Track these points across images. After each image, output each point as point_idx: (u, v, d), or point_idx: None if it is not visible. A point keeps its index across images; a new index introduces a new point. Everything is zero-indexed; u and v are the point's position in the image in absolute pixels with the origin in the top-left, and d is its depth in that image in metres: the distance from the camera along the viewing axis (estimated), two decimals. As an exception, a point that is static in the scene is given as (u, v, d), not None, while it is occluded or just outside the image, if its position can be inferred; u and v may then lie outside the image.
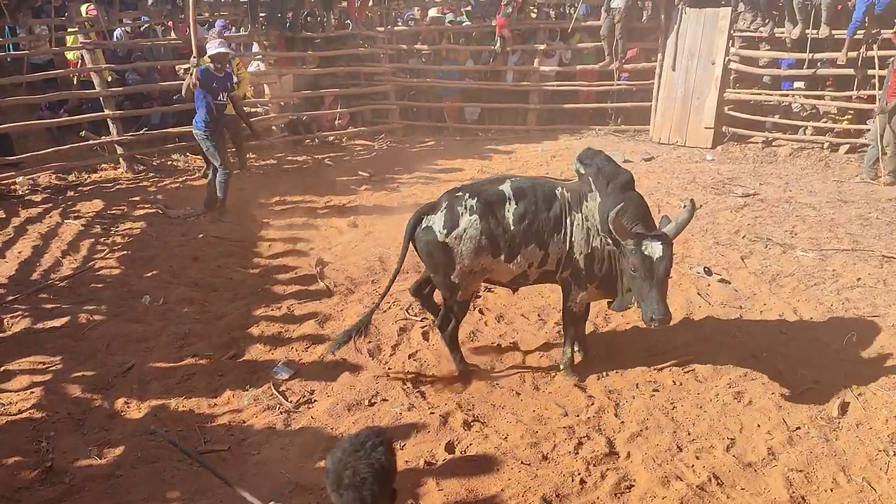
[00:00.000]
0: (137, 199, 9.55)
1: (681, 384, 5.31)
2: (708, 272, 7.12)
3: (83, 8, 11.14)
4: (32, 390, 5.23)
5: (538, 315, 6.34)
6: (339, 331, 6.05)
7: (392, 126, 13.79)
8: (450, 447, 4.57)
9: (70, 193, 9.61)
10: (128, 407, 5.08)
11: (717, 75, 12.38)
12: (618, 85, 13.29)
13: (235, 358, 5.71)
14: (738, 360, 5.60)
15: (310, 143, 12.78)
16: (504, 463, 4.45)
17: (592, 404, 5.07)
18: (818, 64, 11.57)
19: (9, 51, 10.53)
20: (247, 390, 5.26)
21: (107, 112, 10.63)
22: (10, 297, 6.57)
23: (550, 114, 13.79)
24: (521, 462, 4.45)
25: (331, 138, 13.07)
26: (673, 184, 10.28)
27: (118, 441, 4.70)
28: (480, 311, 6.40)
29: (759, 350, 5.73)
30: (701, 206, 9.18)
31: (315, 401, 5.15)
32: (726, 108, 12.52)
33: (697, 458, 4.48)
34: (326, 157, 12.04)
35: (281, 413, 4.99)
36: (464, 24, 14.06)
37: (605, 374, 5.47)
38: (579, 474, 4.33)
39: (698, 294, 6.69)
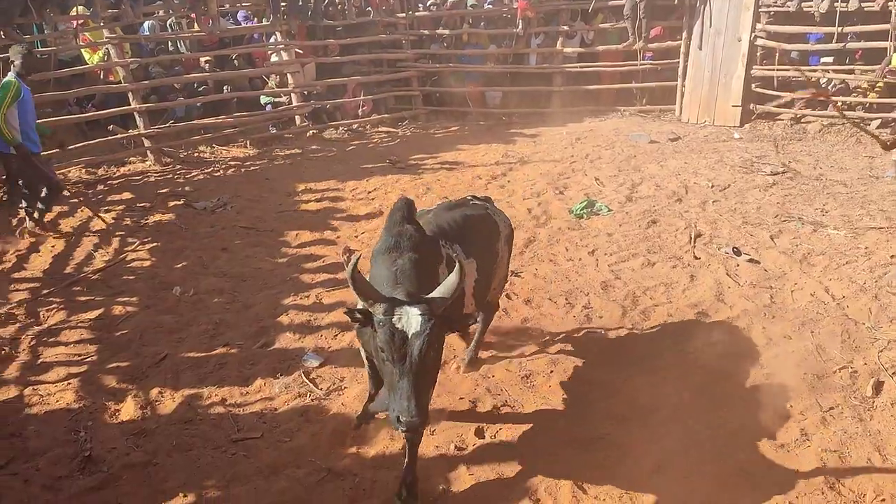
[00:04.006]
0: (166, 191, 9.66)
1: (713, 366, 5.27)
2: (737, 252, 7.04)
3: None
4: (69, 381, 5.34)
5: (566, 299, 6.33)
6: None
7: (415, 112, 13.78)
8: (480, 432, 4.59)
9: (100, 187, 9.74)
10: (162, 396, 5.17)
11: (744, 52, 12.18)
12: (642, 65, 13.13)
13: (266, 347, 5.78)
14: (769, 341, 5.55)
15: (334, 131, 12.82)
16: (534, 448, 4.45)
17: (624, 387, 5.05)
18: (848, 37, 11.33)
19: (37, 47, 10.66)
20: (278, 378, 5.32)
21: (133, 105, 10.75)
22: (45, 291, 6.70)
23: (574, 96, 13.67)
24: (553, 446, 4.45)
25: (354, 126, 13.10)
26: (700, 164, 10.16)
27: (153, 430, 4.79)
28: (507, 296, 6.39)
29: (791, 330, 5.67)
30: (729, 185, 9.08)
31: (345, 387, 5.19)
32: (754, 86, 12.32)
33: (731, 439, 4.46)
34: (351, 146, 12.07)
35: (312, 400, 5.04)
36: (485, 8, 13.97)
37: (634, 357, 5.44)
38: (611, 457, 4.33)
39: (727, 275, 6.63)
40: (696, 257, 7.04)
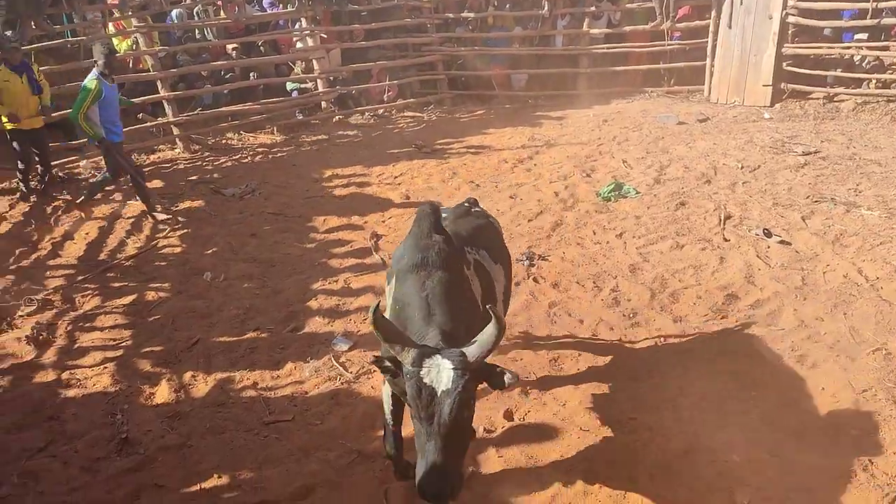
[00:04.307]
0: (195, 177, 9.76)
1: (743, 348, 5.23)
2: (767, 234, 6.95)
3: None
4: (105, 366, 5.46)
5: (593, 282, 6.30)
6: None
7: (441, 96, 13.75)
8: (508, 415, 4.61)
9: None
10: (195, 380, 5.26)
11: (775, 30, 11.95)
12: (670, 45, 12.96)
13: (296, 331, 5.84)
14: (801, 322, 5.49)
15: (360, 116, 12.84)
16: (563, 430, 4.47)
17: (653, 370, 5.04)
18: (882, 13, 11.05)
19: (67, 37, 10.79)
20: (308, 362, 5.38)
21: (162, 94, 10.86)
22: (81, 277, 6.83)
23: (601, 78, 13.54)
24: (580, 428, 4.47)
25: (380, 111, 13.11)
26: (729, 144, 10.02)
27: (187, 413, 4.88)
28: (535, 280, 6.39)
29: (823, 312, 5.60)
30: (759, 166, 8.96)
31: (374, 371, 5.23)
32: (785, 64, 12.09)
33: (762, 422, 4.43)
34: (378, 132, 12.09)
35: (342, 384, 5.10)
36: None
37: (662, 339, 5.42)
38: (640, 439, 4.33)
39: (757, 257, 6.55)
40: (725, 239, 6.96)
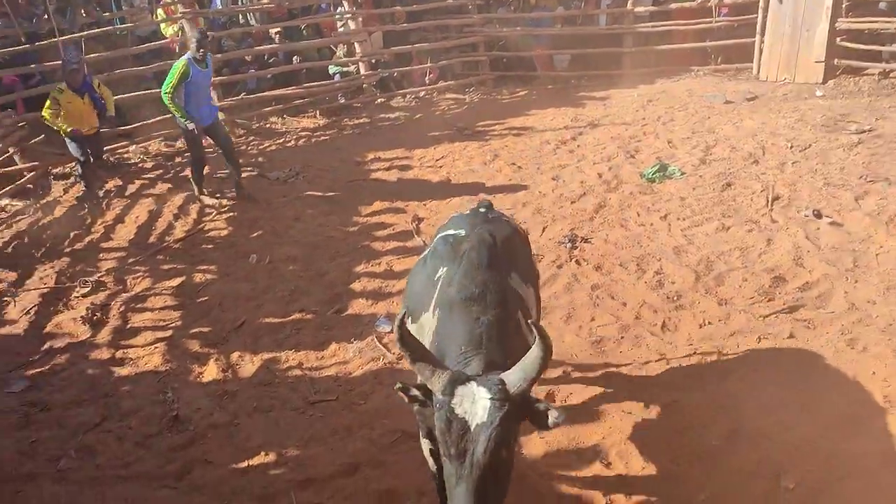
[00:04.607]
0: (240, 161, 9.90)
1: (789, 332, 5.14)
2: (817, 215, 6.79)
3: None
4: (156, 345, 5.62)
5: (637, 264, 6.25)
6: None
7: (482, 78, 13.67)
8: (551, 397, 4.62)
9: (178, 159, 10.06)
10: (242, 360, 5.39)
11: (828, 4, 11.56)
12: (717, 22, 12.65)
13: (339, 313, 5.93)
14: (852, 305, 5.37)
15: (401, 99, 12.86)
16: (605, 412, 4.47)
17: (694, 353, 5.00)
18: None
19: (116, 24, 11.03)
20: (352, 343, 5.46)
21: (207, 79, 11.01)
22: (132, 260, 7.02)
23: (645, 57, 13.29)
24: (622, 411, 4.46)
25: (422, 93, 13.10)
26: (779, 123, 9.77)
27: (235, 392, 5.01)
28: (578, 262, 6.36)
29: (876, 295, 5.47)
30: (809, 145, 8.73)
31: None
32: (838, 39, 11.72)
33: (809, 408, 4.36)
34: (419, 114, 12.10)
35: (385, 364, 5.17)
36: (553, -32, 13.68)
37: (707, 323, 5.36)
38: (682, 423, 4.30)
39: (806, 238, 6.40)
40: (773, 221, 6.82)
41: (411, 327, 3.31)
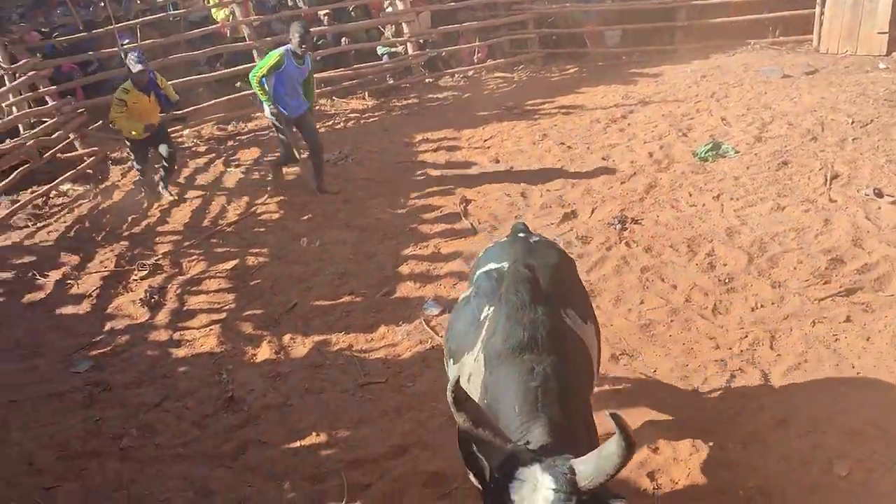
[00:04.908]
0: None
1: (846, 315, 5.01)
2: (878, 194, 6.57)
3: None
4: (211, 327, 5.78)
5: (688, 246, 6.15)
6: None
7: (532, 55, 13.52)
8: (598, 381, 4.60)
9: (230, 143, 10.25)
10: (294, 342, 5.50)
11: (893, -28, 11.09)
12: (775, -8, 12.25)
13: (388, 295, 6.00)
14: (913, 288, 5.21)
15: (450, 79, 12.82)
16: (653, 395, 4.44)
17: (746, 337, 4.92)
18: None
19: (169, 11, 11.24)
20: (400, 326, 5.53)
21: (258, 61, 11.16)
22: (187, 243, 7.21)
23: (699, 31, 12.96)
24: (671, 395, 4.43)
25: (470, 73, 13.04)
26: (840, 98, 9.44)
27: (287, 374, 5.13)
28: (627, 244, 6.29)
29: (938, 278, 5.29)
30: (871, 121, 8.43)
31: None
32: (904, 9, 11.23)
33: (864, 393, 4.26)
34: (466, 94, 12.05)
35: (433, 347, 5.22)
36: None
37: (759, 306, 5.26)
38: (732, 408, 4.26)
39: (867, 218, 6.20)
40: (831, 200, 6.62)
41: (451, 369, 3.13)
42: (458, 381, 2.34)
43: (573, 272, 3.65)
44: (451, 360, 3.23)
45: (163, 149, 8.12)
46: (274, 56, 7.53)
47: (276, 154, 8.62)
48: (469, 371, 2.97)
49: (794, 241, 6.02)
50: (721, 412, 4.24)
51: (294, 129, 7.98)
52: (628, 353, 4.88)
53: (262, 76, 7.50)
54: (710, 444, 4.02)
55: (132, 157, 8.41)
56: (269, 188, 8.31)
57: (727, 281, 5.59)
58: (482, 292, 3.24)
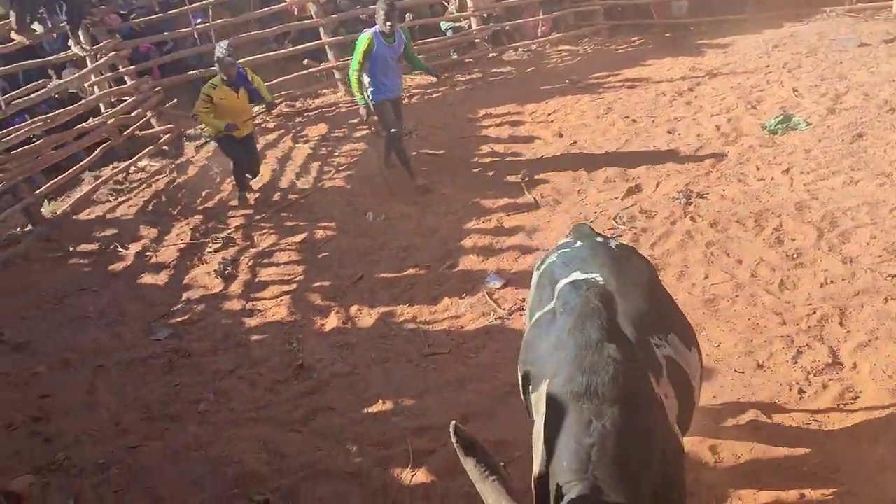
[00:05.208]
0: (356, 120, 10.19)
1: (920, 292, 4.89)
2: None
3: None
4: (282, 298, 6.02)
5: (755, 221, 6.05)
6: (547, 242, 6.24)
7: (596, 27, 13.31)
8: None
9: (298, 119, 10.47)
10: (360, 313, 5.69)
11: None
12: (854, -44, 11.73)
13: (451, 268, 6.12)
14: None
15: (513, 53, 12.75)
16: (716, 371, 4.44)
17: (814, 313, 4.84)
18: None
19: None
20: (463, 298, 5.64)
21: (324, 39, 11.33)
22: (258, 217, 7.47)
23: (772, -2, 12.52)
24: (735, 370, 4.42)
25: (534, 46, 12.94)
26: (921, 67, 9.05)
27: (354, 343, 5.32)
28: (692, 218, 6.23)
29: None
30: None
31: (526, 308, 5.40)
32: None
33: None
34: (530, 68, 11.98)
35: (495, 319, 5.32)
36: None
37: (829, 281, 5.16)
38: (798, 384, 4.23)
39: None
40: (908, 174, 6.41)
41: (530, 397, 2.80)
42: (457, 426, 2.27)
43: (662, 285, 3.26)
44: (530, 386, 2.81)
45: (249, 160, 7.82)
46: (363, 42, 7.22)
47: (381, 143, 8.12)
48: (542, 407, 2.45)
49: (868, 216, 5.86)
50: (786, 387, 4.21)
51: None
52: (692, 327, 4.86)
53: (359, 68, 7.22)
54: (777, 420, 4.01)
55: (224, 154, 7.92)
56: (387, 185, 7.72)
57: (795, 256, 5.50)
58: (570, 310, 2.75)
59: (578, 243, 3.33)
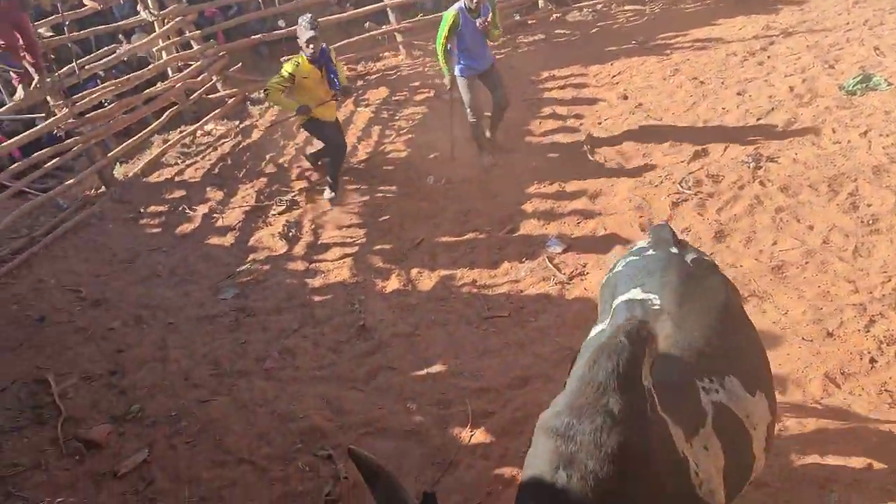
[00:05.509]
0: (417, 83, 10.17)
1: None
2: None
3: None
4: (344, 260, 6.12)
5: (829, 185, 5.82)
6: (610, 207, 6.15)
7: (665, -15, 12.88)
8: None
9: (359, 83, 10.49)
10: (420, 276, 5.74)
11: None
12: None
13: (512, 232, 6.10)
14: None
15: (578, 14, 12.46)
16: (783, 339, 4.34)
17: (889, 280, 4.67)
18: None
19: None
20: (523, 262, 5.63)
21: (385, 2, 11.28)
22: (320, 180, 7.54)
23: (854, -49, 11.86)
24: (802, 338, 4.32)
25: (599, 6, 12.60)
26: None
27: (414, 305, 5.37)
28: (762, 183, 6.04)
29: None
30: None
31: (587, 273, 5.36)
32: None
33: None
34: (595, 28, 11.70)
35: (555, 284, 5.29)
36: None
37: (905, 249, 4.96)
38: (869, 353, 4.11)
39: None
40: None
41: None
42: (353, 450, 2.09)
43: (740, 311, 2.82)
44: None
45: (332, 147, 7.22)
46: (448, 19, 7.07)
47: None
48: None
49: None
50: (857, 356, 4.09)
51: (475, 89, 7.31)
52: (758, 294, 4.76)
53: (446, 42, 7.03)
54: (845, 389, 3.91)
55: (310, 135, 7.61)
56: (453, 151, 7.47)
57: (871, 222, 5.28)
58: None
59: (650, 252, 2.95)
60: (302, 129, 7.68)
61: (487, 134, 7.55)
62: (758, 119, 7.21)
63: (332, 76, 6.96)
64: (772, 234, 5.38)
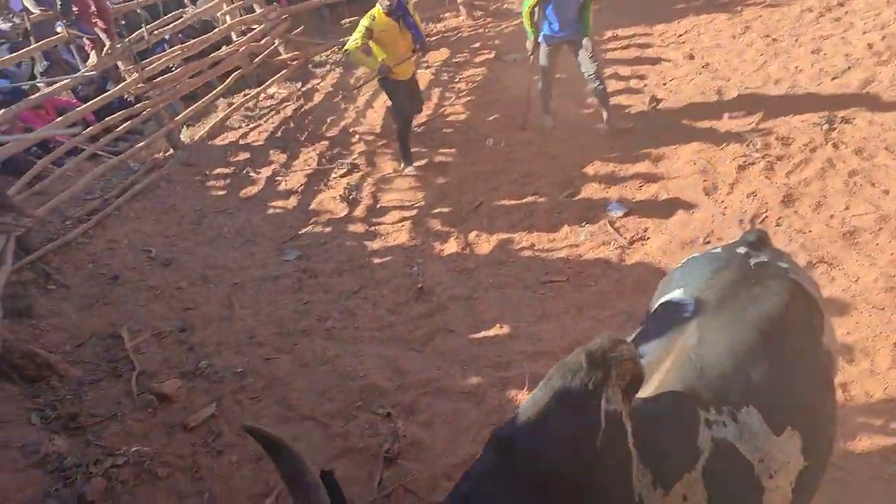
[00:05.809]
0: (477, 45, 10.06)
1: None
2: None
3: None
4: (402, 223, 6.17)
5: (907, 148, 5.58)
6: (673, 170, 6.03)
7: (736, -61, 12.34)
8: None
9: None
10: (479, 239, 5.74)
11: None
12: None
13: (572, 196, 6.03)
14: None
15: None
16: (852, 306, 4.22)
17: (969, 249, 4.47)
18: None
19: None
20: (583, 226, 5.58)
21: (447, -38, 11.15)
22: (381, 143, 7.60)
23: None
24: (873, 306, 4.19)
25: (666, -38, 12.17)
26: None
27: (472, 269, 5.40)
28: (835, 145, 5.81)
29: None
30: None
31: (648, 238, 5.29)
32: None
33: None
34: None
35: (615, 248, 5.24)
36: None
37: None
38: (944, 322, 3.95)
39: None
40: None
41: None
42: (250, 426, 1.83)
43: (797, 327, 2.29)
44: None
45: (404, 112, 6.94)
46: None
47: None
48: None
49: None
50: (930, 328, 3.95)
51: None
52: (827, 261, 4.62)
53: (530, 10, 6.69)
54: (914, 360, 3.79)
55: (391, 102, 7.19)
56: (524, 117, 7.31)
57: (952, 187, 5.05)
58: (653, 334, 2.30)
59: (718, 249, 2.66)
60: (361, 93, 7.64)
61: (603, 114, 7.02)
62: (833, 78, 6.91)
63: (412, 27, 6.60)
64: (844, 199, 5.19)
